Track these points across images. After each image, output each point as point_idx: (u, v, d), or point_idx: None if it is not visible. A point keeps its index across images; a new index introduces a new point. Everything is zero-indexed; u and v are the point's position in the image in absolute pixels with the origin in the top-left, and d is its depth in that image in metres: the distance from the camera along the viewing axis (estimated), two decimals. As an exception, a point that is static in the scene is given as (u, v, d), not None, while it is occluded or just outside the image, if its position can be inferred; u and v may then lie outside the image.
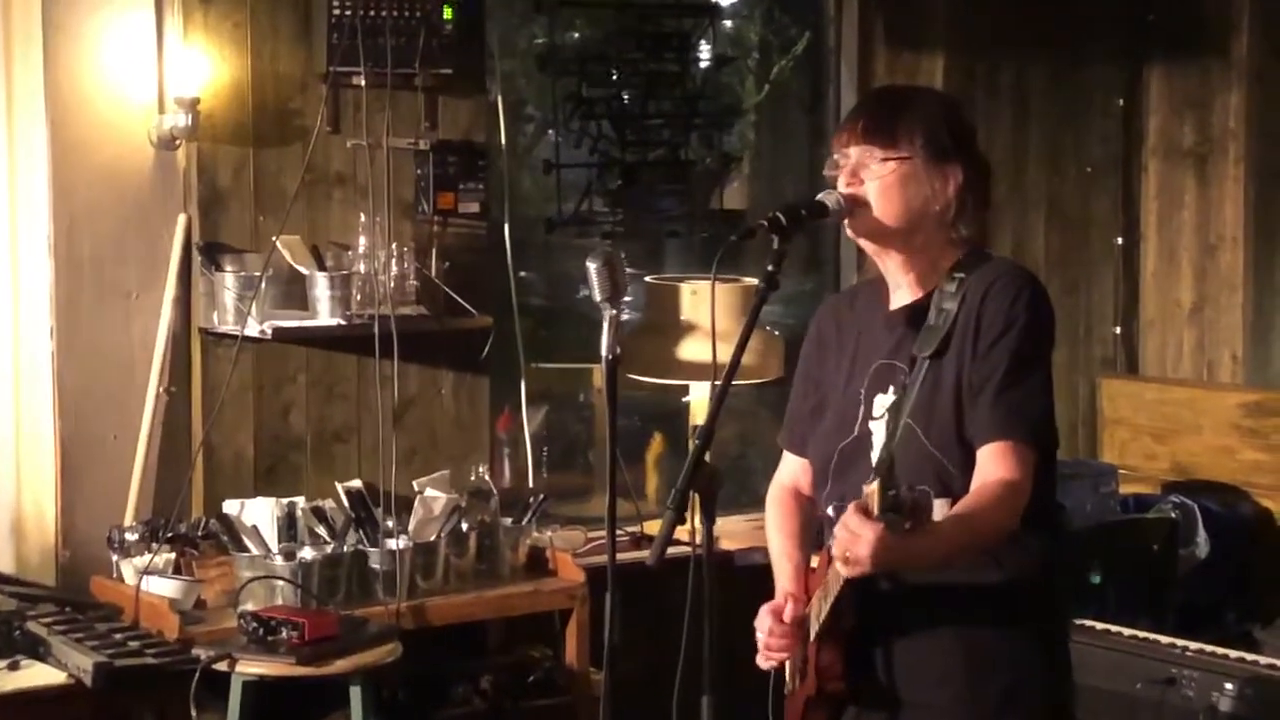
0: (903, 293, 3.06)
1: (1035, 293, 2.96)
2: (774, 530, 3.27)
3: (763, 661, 3.13)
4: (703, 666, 2.82)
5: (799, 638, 3.06)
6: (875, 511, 2.65)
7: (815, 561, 3.16)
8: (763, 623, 3.08)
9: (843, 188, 2.99)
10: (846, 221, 3.01)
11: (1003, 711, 2.97)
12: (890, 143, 2.97)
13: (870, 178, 2.98)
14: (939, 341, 2.93)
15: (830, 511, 3.07)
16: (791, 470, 3.28)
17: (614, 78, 5.63)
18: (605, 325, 3.03)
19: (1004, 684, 2.97)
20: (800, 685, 3.09)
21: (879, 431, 2.99)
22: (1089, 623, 4.61)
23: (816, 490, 3.15)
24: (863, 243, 3.05)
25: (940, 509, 2.87)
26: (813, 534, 3.25)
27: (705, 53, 5.78)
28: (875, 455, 2.97)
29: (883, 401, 3.00)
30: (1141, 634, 4.53)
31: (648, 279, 5.46)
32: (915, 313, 3.01)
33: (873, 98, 3.44)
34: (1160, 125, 6.40)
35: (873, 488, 2.66)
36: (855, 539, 2.69)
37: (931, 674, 2.97)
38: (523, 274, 5.41)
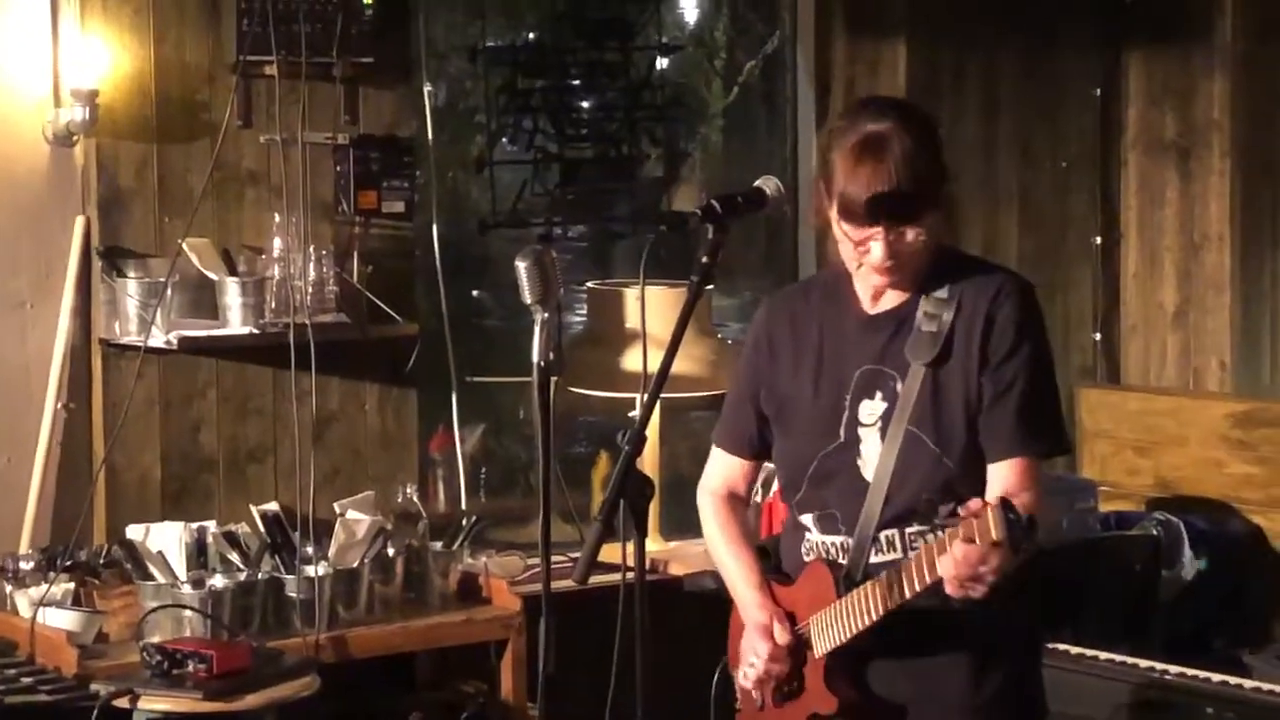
0: (885, 297, 3.21)
1: (1037, 301, 3.19)
2: (721, 540, 3.40)
3: (747, 681, 3.28)
4: (637, 695, 2.83)
5: (786, 659, 3.21)
6: (995, 536, 2.81)
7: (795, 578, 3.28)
8: (760, 647, 3.22)
9: (882, 259, 3.11)
10: (888, 278, 3.15)
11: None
12: (915, 220, 3.11)
13: (905, 248, 3.12)
14: (938, 349, 3.12)
15: (808, 520, 3.24)
16: (724, 472, 3.43)
17: (551, 69, 5.62)
18: (536, 329, 3.07)
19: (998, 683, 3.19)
20: (789, 703, 3.24)
21: (870, 439, 3.16)
22: (1065, 646, 4.63)
23: (786, 494, 3.29)
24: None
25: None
26: (754, 537, 3.44)
27: (654, 42, 5.77)
28: (864, 462, 3.15)
29: (871, 407, 3.17)
30: (1119, 658, 4.55)
31: (589, 284, 5.46)
32: (901, 317, 3.18)
33: (883, 160, 3.13)
34: (1140, 116, 6.42)
35: (991, 513, 2.81)
36: (975, 568, 2.88)
37: (937, 670, 3.18)
38: (475, 292, 5.39)
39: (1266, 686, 4.36)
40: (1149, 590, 5.47)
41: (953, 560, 2.89)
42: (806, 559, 3.26)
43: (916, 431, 3.12)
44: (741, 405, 3.37)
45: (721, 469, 3.44)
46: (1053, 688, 3.33)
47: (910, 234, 3.10)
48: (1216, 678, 4.40)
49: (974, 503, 2.86)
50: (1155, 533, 5.60)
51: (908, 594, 3.00)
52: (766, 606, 3.25)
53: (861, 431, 3.18)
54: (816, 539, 3.24)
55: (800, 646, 3.21)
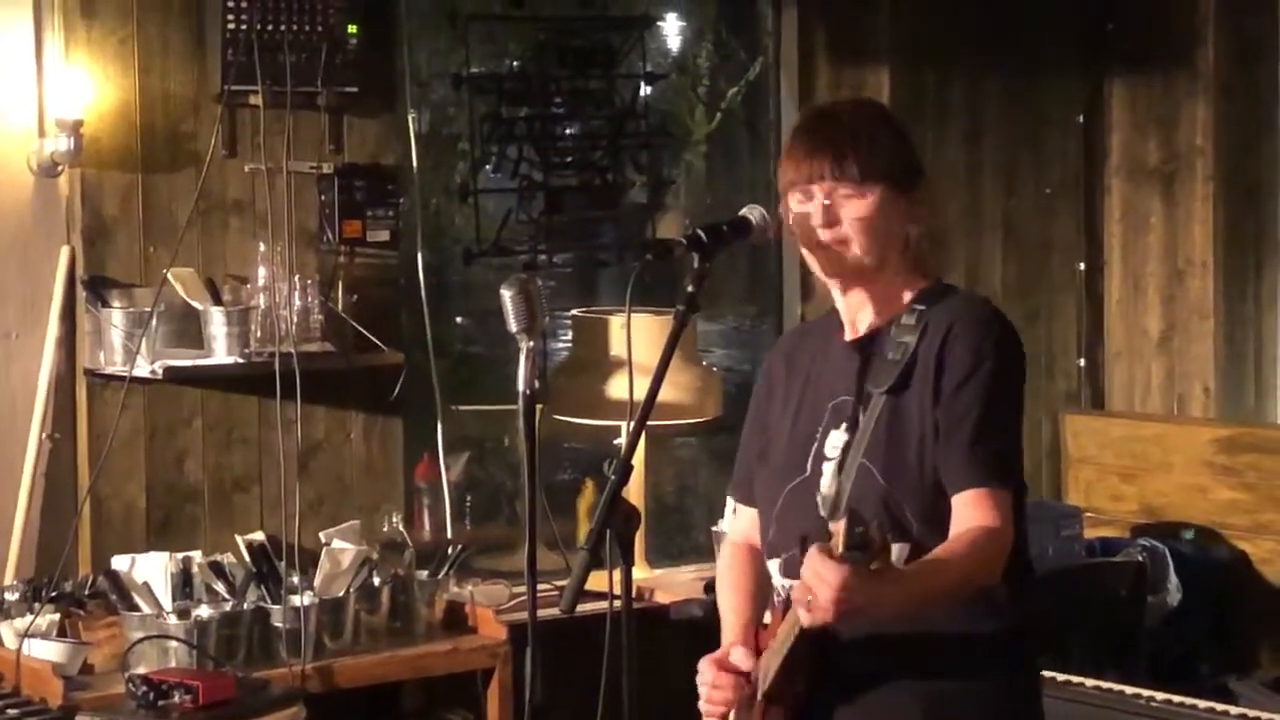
0: (860, 319, 3.08)
1: (1003, 328, 3.00)
2: (724, 587, 3.26)
3: (706, 713, 3.13)
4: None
5: (742, 688, 3.06)
6: (839, 550, 2.63)
7: (769, 618, 3.17)
8: (705, 673, 3.08)
9: (820, 220, 2.99)
10: (826, 265, 3.01)
11: None
12: (853, 179, 2.98)
13: (846, 212, 2.99)
14: (896, 377, 2.95)
15: (774, 566, 3.09)
16: (743, 526, 3.27)
17: (535, 97, 5.64)
18: (522, 358, 3.08)
19: None
20: None
21: (829, 472, 2.99)
22: (1050, 673, 4.64)
23: (763, 539, 3.14)
24: (832, 280, 3.06)
25: (897, 553, 2.86)
26: (768, 592, 3.23)
27: (638, 70, 5.80)
28: (821, 499, 2.98)
29: (836, 439, 3.01)
30: (1105, 685, 4.56)
31: (574, 312, 5.49)
32: (871, 344, 3.04)
33: (827, 127, 3.14)
34: (1123, 142, 6.46)
35: (839, 525, 2.66)
36: (818, 582, 2.66)
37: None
38: (460, 320, 5.40)
39: (1253, 713, 4.37)
40: (1134, 616, 5.49)
41: (805, 570, 2.68)
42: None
43: (867, 464, 2.93)
44: (745, 452, 3.24)
45: (738, 522, 3.28)
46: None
47: (848, 195, 2.95)
48: (1203, 704, 4.40)
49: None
50: (1140, 559, 5.63)
51: (792, 625, 2.86)
52: (732, 643, 3.10)
53: (824, 465, 3.00)
54: (780, 584, 3.09)
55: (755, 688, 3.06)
